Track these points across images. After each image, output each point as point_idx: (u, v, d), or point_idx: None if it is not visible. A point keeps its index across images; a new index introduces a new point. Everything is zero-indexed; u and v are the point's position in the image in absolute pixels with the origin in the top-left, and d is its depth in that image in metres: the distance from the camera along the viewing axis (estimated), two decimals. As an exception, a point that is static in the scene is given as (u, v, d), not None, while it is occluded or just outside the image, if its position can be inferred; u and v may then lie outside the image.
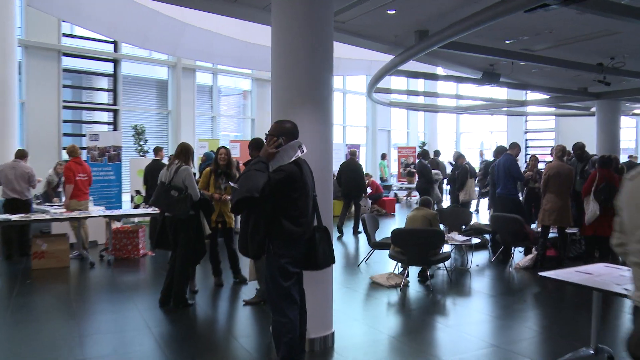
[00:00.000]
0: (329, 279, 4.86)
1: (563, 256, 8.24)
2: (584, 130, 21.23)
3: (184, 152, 6.03)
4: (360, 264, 8.41)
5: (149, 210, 9.12)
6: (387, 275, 7.30)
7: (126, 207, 12.68)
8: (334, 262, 4.16)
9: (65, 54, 12.79)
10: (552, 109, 17.91)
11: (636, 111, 15.05)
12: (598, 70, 8.10)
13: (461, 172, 11.48)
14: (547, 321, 5.72)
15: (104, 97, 14.44)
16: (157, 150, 10.54)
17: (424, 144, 23.10)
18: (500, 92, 19.91)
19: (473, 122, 25.56)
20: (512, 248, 8.69)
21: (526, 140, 23.38)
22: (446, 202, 14.27)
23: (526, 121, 23.52)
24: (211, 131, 16.17)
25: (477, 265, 8.38)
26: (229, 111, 17.50)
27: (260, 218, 3.83)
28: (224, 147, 7.02)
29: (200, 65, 15.39)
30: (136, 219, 11.58)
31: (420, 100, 17.29)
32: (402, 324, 5.68)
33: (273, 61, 4.79)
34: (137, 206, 12.61)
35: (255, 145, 6.21)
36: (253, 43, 13.05)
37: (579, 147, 9.13)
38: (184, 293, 6.01)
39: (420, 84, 23.17)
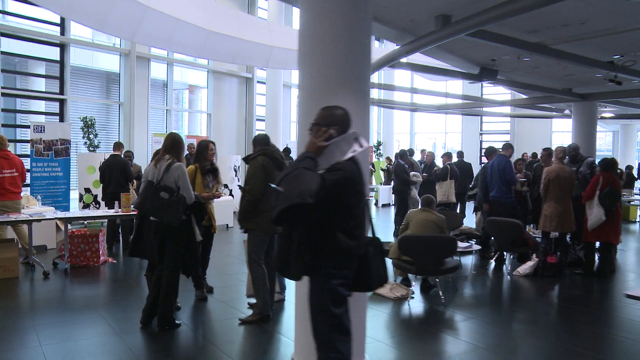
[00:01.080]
0: (364, 298, 4.14)
1: (564, 263, 7.84)
2: (539, 133, 21.49)
3: (176, 146, 5.08)
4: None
5: (112, 212, 8.06)
6: (389, 285, 6.62)
7: (74, 206, 11.51)
8: (387, 280, 3.44)
9: (4, 35, 11.37)
10: (512, 110, 17.81)
11: (605, 114, 15.09)
12: (609, 68, 7.74)
13: (441, 171, 10.99)
14: (584, 339, 5.19)
15: (42, 85, 13.02)
16: (118, 146, 9.47)
17: (379, 143, 22.71)
18: (456, 88, 19.70)
19: (427, 122, 25.39)
20: (505, 254, 8.23)
21: (481, 141, 23.41)
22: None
23: (482, 122, 23.55)
24: (164, 126, 15.03)
25: (474, 272, 7.86)
26: (173, 105, 16.34)
27: (309, 230, 3.05)
28: (212, 142, 6.15)
29: (155, 54, 14.23)
30: (86, 221, 10.42)
31: (404, 98, 16.69)
32: (434, 346, 4.99)
33: (302, 45, 4.01)
34: (86, 205, 11.45)
35: (260, 141, 5.41)
36: (216, 32, 12.12)
37: (573, 149, 8.80)
38: (171, 312, 5.10)
39: (374, 77, 22.68)
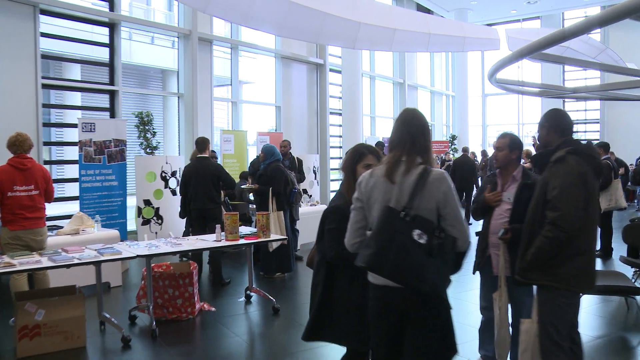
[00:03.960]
0: None
1: None
2: (635, 122, 18.66)
3: (425, 136, 2.57)
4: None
5: (212, 242, 5.58)
6: None
7: (130, 221, 9.19)
8: None
9: (43, 12, 9.02)
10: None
11: None
12: None
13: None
14: None
15: (77, 74, 10.68)
16: (203, 144, 6.90)
17: (453, 137, 20.14)
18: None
19: (499, 112, 22.79)
20: None
21: (564, 132, 20.67)
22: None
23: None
24: (229, 120, 12.61)
25: None
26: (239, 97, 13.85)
27: None
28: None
29: (218, 35, 11.80)
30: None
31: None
32: None
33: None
34: (146, 221, 9.05)
35: (564, 127, 2.97)
36: (299, 4, 9.72)
37: None
38: None
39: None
